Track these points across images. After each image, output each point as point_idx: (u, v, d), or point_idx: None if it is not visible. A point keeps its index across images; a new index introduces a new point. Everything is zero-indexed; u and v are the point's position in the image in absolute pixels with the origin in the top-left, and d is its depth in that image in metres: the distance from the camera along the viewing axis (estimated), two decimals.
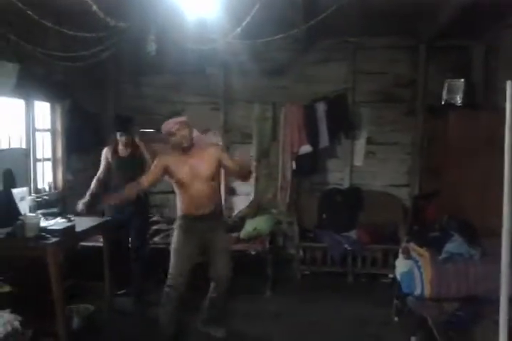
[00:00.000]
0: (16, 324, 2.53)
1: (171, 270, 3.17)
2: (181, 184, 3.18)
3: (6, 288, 2.71)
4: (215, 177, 3.28)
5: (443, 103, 4.66)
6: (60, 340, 3.08)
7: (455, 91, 4.58)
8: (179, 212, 3.31)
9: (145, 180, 3.14)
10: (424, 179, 5.02)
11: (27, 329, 2.68)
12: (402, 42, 5.10)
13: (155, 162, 3.25)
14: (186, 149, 3.19)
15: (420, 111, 5.10)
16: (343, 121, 5.11)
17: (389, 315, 3.72)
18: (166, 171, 3.18)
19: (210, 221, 3.25)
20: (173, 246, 3.24)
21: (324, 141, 5.00)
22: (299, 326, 3.67)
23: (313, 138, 5.01)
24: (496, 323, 2.02)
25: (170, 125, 3.18)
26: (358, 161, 5.27)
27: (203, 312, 3.49)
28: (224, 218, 3.58)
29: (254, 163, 5.26)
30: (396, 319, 3.68)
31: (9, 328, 2.47)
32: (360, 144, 5.27)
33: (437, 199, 4.35)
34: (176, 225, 3.32)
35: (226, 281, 3.34)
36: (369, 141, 5.26)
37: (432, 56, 5.05)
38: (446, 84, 4.61)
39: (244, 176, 3.31)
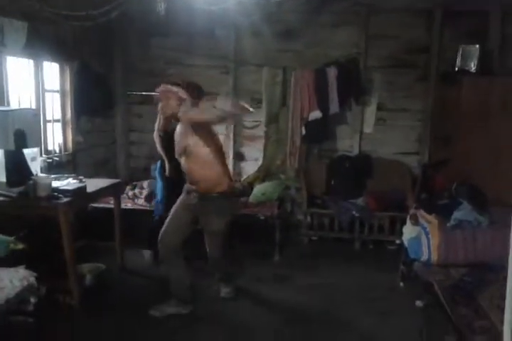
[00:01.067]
0: (32, 279, 2.59)
1: (162, 228, 3.23)
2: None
3: (20, 246, 2.76)
4: (195, 149, 2.98)
5: (457, 69, 4.57)
6: (73, 297, 3.18)
7: (469, 58, 4.49)
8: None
9: None
10: (434, 147, 4.99)
11: (41, 286, 2.74)
12: (417, 5, 4.95)
13: None
14: (176, 119, 3.06)
15: (433, 78, 5.00)
16: (353, 87, 5.02)
17: (394, 280, 3.78)
18: None
19: (201, 199, 3.09)
20: (171, 210, 3.28)
21: (334, 106, 4.94)
22: (305, 289, 3.74)
23: (323, 103, 4.94)
24: (503, 289, 2.04)
25: (157, 92, 3.06)
26: (368, 128, 5.22)
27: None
28: (220, 196, 3.09)
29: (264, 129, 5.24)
30: (401, 284, 3.73)
31: (25, 283, 2.53)
32: (371, 110, 5.21)
33: (447, 167, 4.34)
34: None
35: (216, 262, 3.37)
36: (379, 108, 5.18)
37: (447, 21, 4.91)
38: (460, 50, 4.52)
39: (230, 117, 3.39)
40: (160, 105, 3.03)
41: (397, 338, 2.96)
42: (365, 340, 2.97)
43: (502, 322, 1.39)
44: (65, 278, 3.14)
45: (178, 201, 3.26)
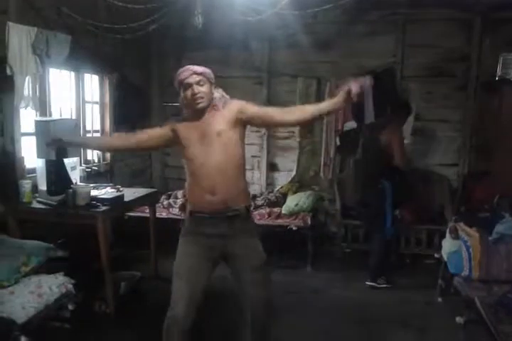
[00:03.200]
0: (70, 287, 2.64)
1: (172, 296, 2.33)
2: (191, 159, 2.25)
3: (59, 253, 2.82)
4: (236, 149, 2.31)
5: (497, 78, 4.46)
6: (108, 304, 3.22)
7: (510, 66, 4.37)
8: (188, 208, 2.36)
9: (136, 136, 2.37)
10: (474, 158, 4.86)
11: (79, 293, 2.79)
12: (454, 15, 4.87)
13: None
14: (200, 112, 2.28)
15: (472, 87, 4.89)
16: (390, 97, 4.96)
17: (433, 295, 3.67)
18: (173, 137, 2.32)
19: (230, 222, 2.24)
20: (175, 262, 2.37)
21: (370, 116, 4.87)
22: (337, 302, 3.66)
23: (358, 114, 4.90)
24: None
25: (185, 73, 2.28)
26: (405, 139, 5.12)
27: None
28: (252, 218, 2.44)
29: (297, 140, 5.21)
30: (440, 300, 3.63)
31: (64, 290, 2.58)
32: (408, 121, 5.12)
33: (487, 179, 4.22)
34: (180, 233, 2.38)
35: (266, 324, 2.38)
36: (417, 118, 5.09)
37: (486, 29, 4.81)
38: (501, 59, 4.40)
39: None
40: (186, 93, 2.29)
41: None
42: None
43: None
44: (102, 285, 3.18)
45: (179, 249, 2.37)
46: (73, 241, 3.28)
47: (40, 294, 2.47)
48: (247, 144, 5.76)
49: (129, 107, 4.74)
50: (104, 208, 3.13)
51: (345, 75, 4.96)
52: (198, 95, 2.24)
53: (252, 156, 5.47)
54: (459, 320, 3.06)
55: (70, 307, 2.64)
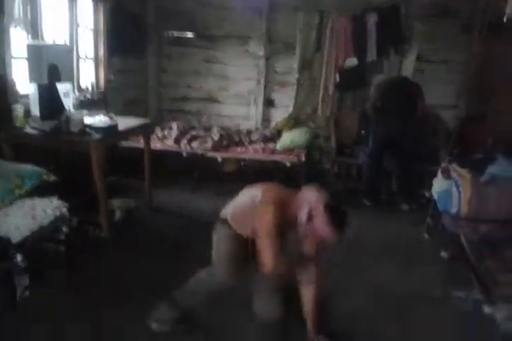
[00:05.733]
0: (64, 210, 2.66)
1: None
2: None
3: (52, 178, 2.81)
4: None
5: (505, 20, 4.30)
6: (102, 229, 3.28)
7: None
8: None
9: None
10: (473, 101, 4.80)
11: (73, 217, 2.83)
12: None
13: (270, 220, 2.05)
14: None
15: (477, 29, 4.74)
16: (393, 35, 4.82)
17: (420, 233, 3.77)
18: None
19: None
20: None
21: (372, 54, 4.76)
22: None
23: (360, 50, 4.77)
24: None
25: (337, 223, 2.01)
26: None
27: None
28: None
29: (296, 76, 5.10)
30: (426, 236, 3.73)
31: (58, 213, 2.61)
32: (409, 61, 5.00)
33: (484, 122, 4.20)
34: None
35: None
36: (419, 58, 4.97)
37: None
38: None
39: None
40: (306, 224, 2.06)
41: (417, 287, 2.97)
42: (385, 287, 2.99)
43: None
44: (96, 211, 3.22)
45: None
46: (67, 167, 3.26)
47: (34, 216, 2.49)
48: (244, 79, 5.68)
49: (124, 35, 4.56)
50: (97, 136, 3.09)
51: (350, 9, 4.81)
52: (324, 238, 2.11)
53: (249, 91, 5.37)
54: (443, 254, 3.16)
55: (65, 229, 2.68)
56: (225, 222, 2.28)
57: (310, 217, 2.03)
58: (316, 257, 2.28)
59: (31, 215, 2.50)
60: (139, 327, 2.38)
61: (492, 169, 3.21)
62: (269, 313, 2.39)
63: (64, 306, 2.51)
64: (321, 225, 2.01)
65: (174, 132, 4.67)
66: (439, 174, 3.47)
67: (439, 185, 3.41)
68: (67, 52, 3.72)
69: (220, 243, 2.29)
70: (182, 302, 2.38)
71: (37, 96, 3.23)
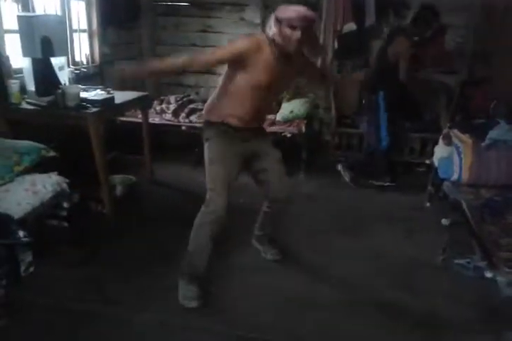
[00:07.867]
0: (64, 186, 2.66)
1: (210, 185, 2.38)
2: (250, 87, 2.33)
3: (52, 153, 2.80)
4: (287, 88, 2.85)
5: None
6: (104, 205, 3.28)
7: None
8: (216, 118, 2.46)
9: (201, 59, 2.33)
10: (474, 65, 4.70)
11: (74, 193, 2.83)
12: None
13: (231, 45, 2.35)
14: (284, 54, 2.29)
15: None
16: None
17: (422, 201, 3.77)
18: (237, 61, 2.27)
19: (255, 132, 2.55)
20: (209, 157, 2.44)
21: (371, 17, 4.62)
22: (330, 208, 3.76)
23: (358, 15, 4.63)
24: None
25: (296, 14, 2.16)
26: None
27: (256, 227, 2.93)
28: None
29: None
30: (428, 204, 3.73)
31: (58, 189, 2.61)
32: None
33: (486, 86, 4.13)
34: (210, 133, 2.48)
35: (285, 204, 2.70)
36: None
37: None
38: None
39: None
40: (287, 33, 2.19)
41: (419, 254, 3.00)
42: (387, 254, 3.02)
43: None
44: (97, 187, 3.22)
45: (215, 146, 2.46)
46: (66, 142, 3.24)
47: (35, 191, 2.50)
48: None
49: (116, 6, 4.45)
50: (94, 110, 3.05)
51: None
52: (298, 40, 2.21)
53: None
54: (444, 221, 3.15)
55: (66, 205, 2.69)
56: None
57: (279, 24, 2.20)
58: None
59: (32, 191, 2.50)
60: (149, 298, 2.41)
61: (493, 134, 3.18)
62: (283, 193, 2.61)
63: (67, 282, 2.52)
64: (287, 18, 2.17)
65: (172, 106, 4.62)
66: (440, 141, 3.44)
67: (440, 152, 3.39)
68: (60, 23, 3.62)
69: (211, 144, 2.46)
70: (193, 264, 2.42)
71: (31, 71, 3.18)
